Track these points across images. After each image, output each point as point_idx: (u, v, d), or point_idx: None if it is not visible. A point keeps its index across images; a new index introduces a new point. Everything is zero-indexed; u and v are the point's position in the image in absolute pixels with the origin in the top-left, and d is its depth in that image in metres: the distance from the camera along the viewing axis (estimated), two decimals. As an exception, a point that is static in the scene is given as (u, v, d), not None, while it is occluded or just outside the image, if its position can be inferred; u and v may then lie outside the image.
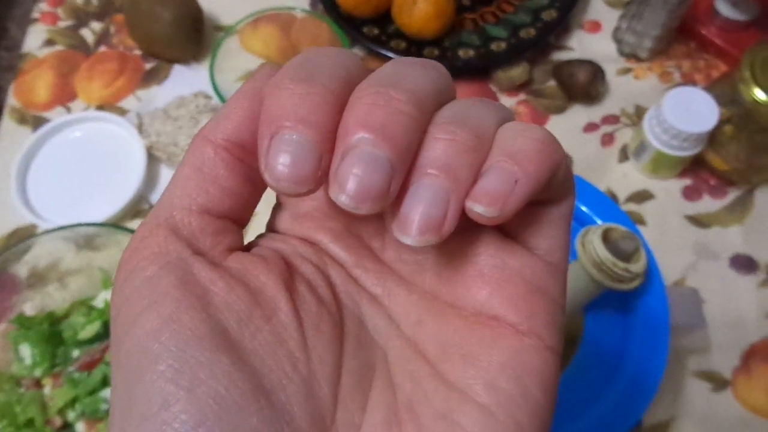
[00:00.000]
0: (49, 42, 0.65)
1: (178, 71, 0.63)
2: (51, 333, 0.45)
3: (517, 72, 0.60)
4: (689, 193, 0.56)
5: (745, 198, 0.55)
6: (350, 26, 0.61)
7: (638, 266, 0.32)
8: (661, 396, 0.48)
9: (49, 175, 0.57)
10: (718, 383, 0.48)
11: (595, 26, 0.64)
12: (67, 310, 0.47)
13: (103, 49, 0.64)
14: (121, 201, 0.54)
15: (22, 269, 0.49)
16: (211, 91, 0.57)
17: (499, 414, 0.16)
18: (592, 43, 0.63)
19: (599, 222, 0.40)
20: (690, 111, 0.51)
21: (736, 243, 0.54)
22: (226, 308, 0.16)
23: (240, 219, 0.18)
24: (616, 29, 0.62)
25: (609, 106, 0.60)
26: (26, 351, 0.44)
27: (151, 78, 0.63)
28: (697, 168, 0.56)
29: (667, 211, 0.55)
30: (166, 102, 0.59)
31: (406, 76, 0.16)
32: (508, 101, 0.60)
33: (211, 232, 0.17)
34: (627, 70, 0.61)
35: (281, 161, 0.15)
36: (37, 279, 0.49)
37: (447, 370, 0.17)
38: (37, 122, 0.60)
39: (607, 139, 0.58)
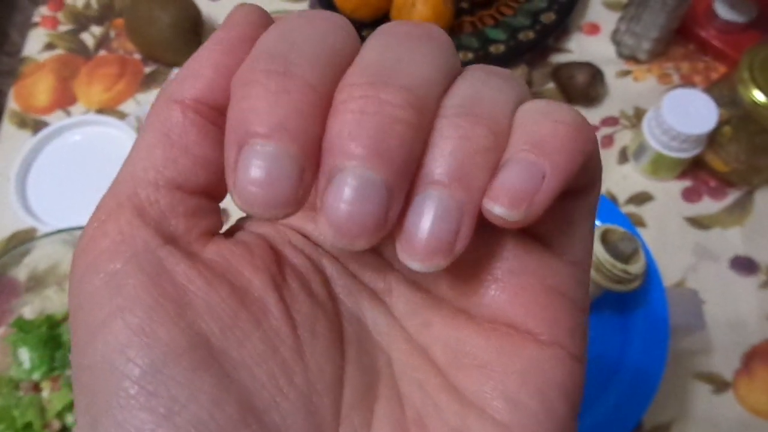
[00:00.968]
0: (50, 46, 0.65)
1: (178, 75, 0.63)
2: (49, 336, 0.45)
3: (516, 74, 0.59)
4: (689, 195, 0.56)
5: (745, 199, 0.55)
6: (349, 29, 0.61)
7: (637, 267, 0.32)
8: (662, 398, 0.47)
9: (48, 178, 0.57)
10: (719, 385, 0.48)
11: (594, 29, 0.64)
12: (66, 313, 0.47)
13: (102, 53, 0.64)
14: (121, 204, 0.54)
15: (21, 272, 0.49)
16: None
17: None
18: (591, 45, 0.63)
19: (598, 223, 0.39)
20: (689, 112, 0.51)
21: (737, 244, 0.53)
22: (208, 313, 0.13)
23: (217, 194, 0.15)
24: (615, 31, 0.62)
25: (608, 108, 0.60)
26: (25, 355, 0.44)
27: (150, 81, 0.63)
28: (696, 169, 0.56)
29: (667, 213, 0.55)
30: (165, 105, 0.59)
31: (400, 63, 0.13)
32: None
33: (184, 213, 0.14)
34: (626, 72, 0.62)
35: (252, 178, 0.12)
36: (37, 282, 0.49)
37: (460, 382, 0.15)
38: (37, 126, 0.60)
39: (607, 141, 0.58)
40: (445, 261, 0.13)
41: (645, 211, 0.55)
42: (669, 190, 0.56)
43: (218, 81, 0.14)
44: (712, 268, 0.52)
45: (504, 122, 0.14)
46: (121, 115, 0.61)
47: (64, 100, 0.62)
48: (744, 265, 0.53)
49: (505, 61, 0.60)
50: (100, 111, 0.61)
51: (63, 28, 0.66)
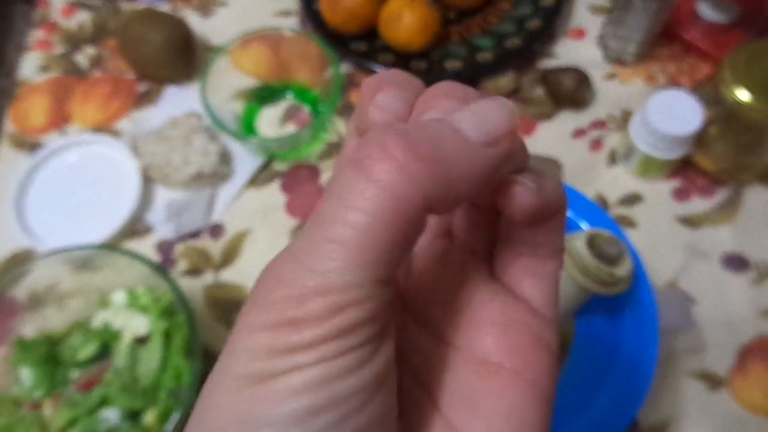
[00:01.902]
0: (44, 68, 0.66)
1: (171, 92, 0.64)
2: (50, 355, 0.46)
3: (504, 81, 0.60)
4: (679, 195, 0.56)
5: (734, 197, 0.56)
6: (338, 43, 0.62)
7: (623, 270, 0.33)
8: (657, 397, 0.48)
9: (46, 198, 0.58)
10: (714, 382, 0.49)
11: (579, 33, 0.65)
12: (66, 331, 0.48)
13: (97, 73, 0.65)
14: (118, 222, 0.54)
15: (21, 292, 0.50)
16: (202, 111, 0.58)
17: None
18: (577, 49, 0.64)
19: (584, 228, 0.40)
20: (675, 113, 0.51)
21: (727, 242, 0.54)
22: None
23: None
24: (601, 35, 0.63)
25: (596, 111, 0.61)
26: (26, 373, 0.45)
27: (144, 100, 0.64)
28: (685, 169, 0.57)
29: (658, 213, 0.56)
30: (159, 123, 0.60)
31: None
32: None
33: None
34: (612, 75, 0.62)
35: None
36: (36, 302, 0.50)
37: (455, 418, 0.17)
38: (34, 147, 0.61)
39: (596, 144, 0.59)
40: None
41: (635, 211, 0.56)
42: (659, 191, 0.57)
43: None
44: (703, 267, 0.53)
45: None
46: (117, 134, 0.62)
47: (60, 120, 0.63)
48: (735, 262, 0.53)
49: (492, 68, 0.61)
50: (96, 130, 0.62)
51: (57, 50, 0.67)
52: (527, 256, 0.19)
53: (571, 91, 0.59)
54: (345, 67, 0.63)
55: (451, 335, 0.19)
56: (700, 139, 0.53)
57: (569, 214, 0.41)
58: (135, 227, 0.57)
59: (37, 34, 0.68)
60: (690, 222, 0.55)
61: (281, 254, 0.16)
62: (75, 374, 0.45)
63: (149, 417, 0.42)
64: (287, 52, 0.61)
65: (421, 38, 0.60)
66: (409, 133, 0.15)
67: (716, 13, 0.60)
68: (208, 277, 0.54)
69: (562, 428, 0.35)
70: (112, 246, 0.53)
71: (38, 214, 0.57)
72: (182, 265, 0.55)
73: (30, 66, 0.66)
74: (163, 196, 0.58)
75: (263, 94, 0.62)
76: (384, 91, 0.18)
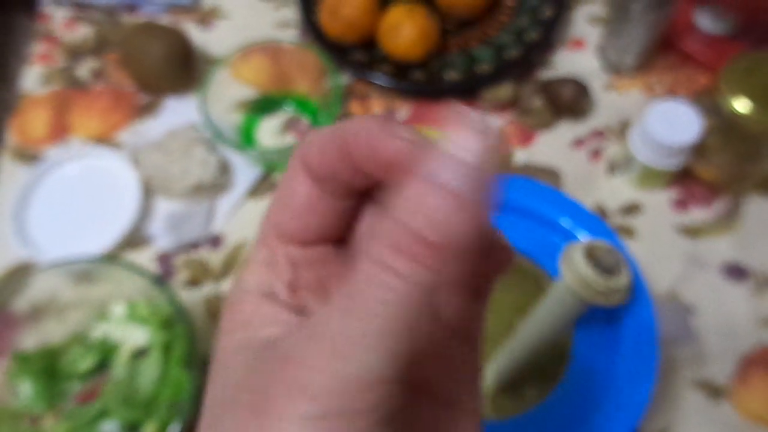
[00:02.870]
0: (46, 81, 0.66)
1: (171, 104, 0.64)
2: (49, 368, 0.46)
3: (503, 92, 0.61)
4: (678, 205, 0.56)
5: (733, 207, 0.56)
6: (337, 54, 0.62)
7: (622, 281, 0.33)
8: (658, 407, 0.48)
9: (47, 210, 0.58)
10: (715, 392, 0.48)
11: (578, 44, 0.65)
12: (65, 343, 0.48)
13: (98, 86, 0.66)
14: (117, 233, 0.55)
15: (21, 305, 0.50)
16: (202, 122, 0.58)
17: None
18: (575, 60, 0.64)
19: (583, 238, 0.40)
20: (673, 123, 0.51)
21: (726, 252, 0.54)
22: None
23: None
24: (599, 46, 0.63)
25: (595, 121, 0.61)
26: (25, 386, 0.45)
27: (145, 112, 0.64)
28: (684, 179, 0.57)
29: (657, 223, 0.56)
30: (159, 134, 0.60)
31: None
32: (495, 120, 0.61)
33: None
34: (611, 86, 0.63)
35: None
36: (36, 314, 0.50)
37: None
38: (35, 159, 0.61)
39: (595, 154, 0.59)
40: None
41: (635, 222, 0.56)
42: (658, 201, 0.57)
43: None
44: (703, 276, 0.53)
45: None
46: (117, 145, 0.62)
47: (61, 132, 0.63)
48: (734, 272, 0.53)
49: (491, 79, 0.61)
50: (97, 142, 0.62)
51: (58, 63, 0.67)
52: None
53: (570, 102, 0.59)
54: (344, 78, 0.64)
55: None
56: (698, 150, 0.54)
57: (568, 223, 0.41)
58: (135, 239, 0.57)
59: (38, 48, 0.68)
60: (689, 232, 0.55)
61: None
62: (74, 387, 0.45)
63: (148, 429, 0.42)
64: (287, 63, 0.61)
65: (420, 49, 0.60)
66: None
67: (714, 24, 0.61)
68: (208, 288, 0.54)
69: (563, 440, 0.35)
70: (111, 258, 0.53)
71: (39, 226, 0.57)
72: (182, 276, 0.55)
73: (32, 79, 0.66)
74: (163, 207, 0.58)
75: (263, 105, 0.62)
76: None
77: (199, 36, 0.67)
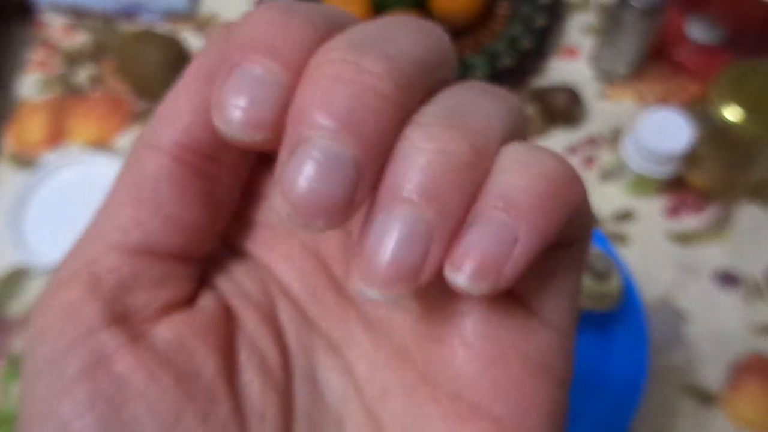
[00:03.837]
0: (43, 88, 0.67)
1: (168, 111, 0.64)
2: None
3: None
4: (670, 212, 0.57)
5: (725, 214, 0.56)
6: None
7: (612, 286, 0.33)
8: (648, 413, 0.48)
9: (43, 217, 0.58)
10: (706, 399, 0.49)
11: (571, 52, 0.66)
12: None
13: (95, 93, 0.66)
14: (113, 239, 0.55)
15: (16, 310, 0.50)
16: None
17: None
18: (568, 68, 0.65)
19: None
20: (665, 132, 0.52)
21: (718, 259, 0.54)
22: (147, 413, 0.12)
23: (194, 255, 0.14)
24: (592, 55, 0.64)
25: (588, 129, 0.61)
26: (18, 390, 0.45)
27: (142, 119, 0.64)
28: (677, 187, 0.57)
29: (649, 230, 0.56)
30: (156, 141, 0.60)
31: (388, 37, 0.12)
32: (489, 128, 0.62)
33: (148, 282, 0.13)
34: (604, 94, 0.63)
35: (236, 101, 0.11)
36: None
37: None
38: (32, 165, 0.62)
39: (588, 162, 0.60)
40: (407, 289, 0.11)
41: (627, 229, 0.56)
42: (650, 208, 0.57)
43: (201, 119, 0.13)
44: (695, 284, 0.53)
45: (491, 145, 0.12)
46: (114, 151, 0.62)
47: (58, 138, 0.64)
48: (726, 279, 0.54)
49: (485, 87, 0.61)
50: (94, 149, 0.63)
51: (56, 70, 0.68)
52: None
53: (563, 110, 0.60)
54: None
55: (412, 351, 0.14)
56: (690, 158, 0.54)
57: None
58: (131, 244, 0.57)
59: (36, 55, 0.69)
60: (681, 239, 0.56)
61: None
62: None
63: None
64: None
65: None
66: None
67: (705, 34, 0.61)
68: (202, 294, 0.54)
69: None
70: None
71: (35, 232, 0.57)
72: (177, 282, 0.55)
73: (29, 86, 0.67)
74: (158, 213, 0.58)
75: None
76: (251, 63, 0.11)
77: (196, 44, 0.68)
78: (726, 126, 0.50)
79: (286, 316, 0.15)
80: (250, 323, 0.14)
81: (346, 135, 0.10)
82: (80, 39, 0.70)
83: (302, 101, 0.11)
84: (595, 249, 0.34)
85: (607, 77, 0.63)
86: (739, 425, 0.48)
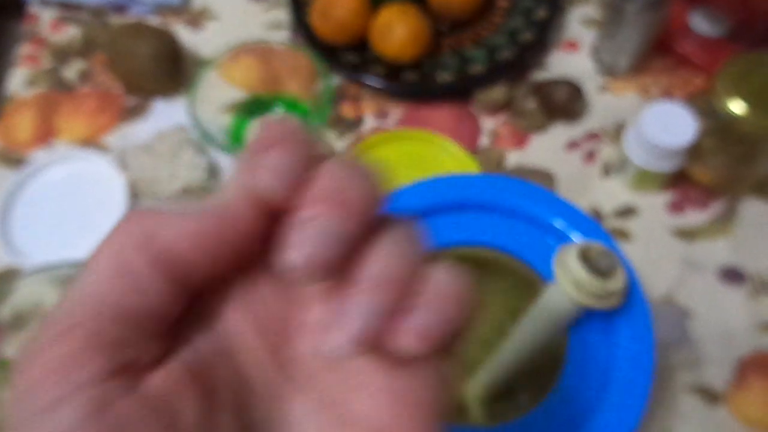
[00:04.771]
0: (32, 83, 0.65)
1: (160, 106, 0.63)
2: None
3: (497, 93, 0.60)
4: (674, 207, 0.56)
5: (729, 210, 0.55)
6: (329, 55, 0.61)
7: (617, 283, 0.32)
8: (655, 413, 0.47)
9: (32, 215, 0.57)
10: (712, 397, 0.48)
11: (572, 45, 0.65)
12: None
13: (85, 88, 0.65)
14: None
15: (4, 312, 0.49)
16: (191, 125, 0.57)
17: None
18: (569, 62, 0.64)
19: (577, 240, 0.39)
20: (668, 125, 0.51)
21: (723, 255, 0.53)
22: None
23: (169, 322, 0.16)
24: (593, 48, 0.63)
25: (589, 123, 0.60)
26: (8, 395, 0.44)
27: (132, 114, 0.63)
28: (681, 182, 0.56)
29: (653, 226, 0.55)
30: (147, 137, 0.59)
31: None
32: (488, 122, 0.60)
33: (137, 341, 0.15)
34: (605, 88, 0.62)
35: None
36: (20, 321, 0.49)
37: None
38: (20, 162, 0.60)
39: (589, 157, 0.58)
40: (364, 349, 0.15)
41: (630, 224, 0.55)
42: (654, 203, 0.56)
43: (197, 238, 0.15)
44: (699, 280, 0.52)
45: (413, 288, 0.16)
46: (104, 148, 0.61)
47: (47, 135, 0.62)
48: (731, 275, 0.53)
49: (484, 80, 0.60)
50: (83, 145, 0.61)
51: (45, 65, 0.66)
52: None
53: (564, 104, 0.59)
54: (336, 79, 0.63)
55: (340, 397, 0.17)
56: (694, 152, 0.53)
57: (562, 224, 0.40)
58: (122, 243, 0.56)
59: (25, 49, 0.67)
60: (685, 235, 0.54)
61: None
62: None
63: None
64: (277, 65, 0.60)
65: (413, 50, 0.59)
66: None
67: (709, 26, 0.60)
68: (196, 294, 0.53)
69: (558, 448, 0.34)
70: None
71: (23, 231, 0.56)
72: (170, 281, 0.54)
73: (17, 81, 0.65)
74: (151, 211, 0.57)
75: (252, 107, 0.61)
76: (274, 151, 0.16)
77: (188, 37, 0.66)
78: (731, 119, 0.49)
79: (249, 369, 0.17)
80: (222, 379, 0.16)
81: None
82: (69, 33, 0.68)
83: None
84: (599, 246, 0.33)
85: (609, 70, 0.62)
86: (746, 423, 0.47)
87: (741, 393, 0.48)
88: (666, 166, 0.52)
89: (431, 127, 0.60)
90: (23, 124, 0.63)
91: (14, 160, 0.61)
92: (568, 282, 0.32)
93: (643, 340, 0.36)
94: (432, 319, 0.15)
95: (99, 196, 0.57)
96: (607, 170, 0.58)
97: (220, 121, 0.59)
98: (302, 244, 0.14)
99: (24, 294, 0.48)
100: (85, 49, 0.67)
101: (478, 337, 0.44)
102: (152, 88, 0.62)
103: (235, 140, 0.60)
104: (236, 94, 0.61)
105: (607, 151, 0.59)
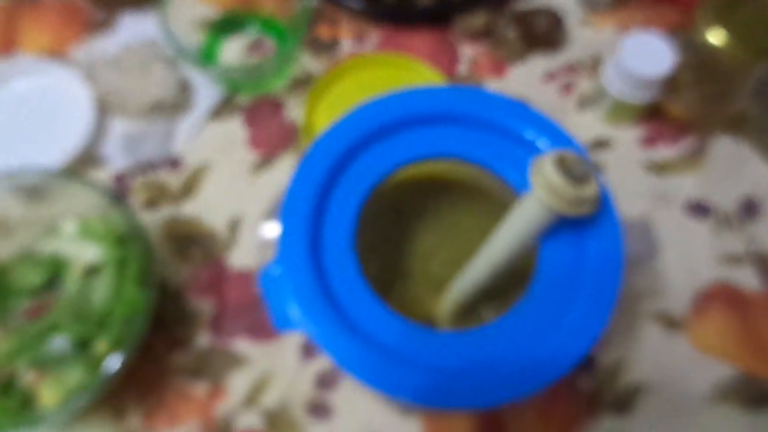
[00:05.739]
0: (-8, -9, 0.62)
1: (128, 20, 0.61)
2: (-5, 283, 0.44)
3: (477, 20, 0.59)
4: (647, 141, 0.56)
5: (701, 146, 0.56)
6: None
7: (591, 190, 0.32)
8: (614, 338, 0.48)
9: (-6, 127, 0.55)
10: (672, 324, 0.49)
11: (555, -24, 0.63)
12: (12, 261, 0.46)
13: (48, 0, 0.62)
14: (69, 151, 0.52)
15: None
16: (161, 40, 0.55)
17: None
18: (551, -7, 0.63)
19: (552, 149, 0.39)
20: (646, 56, 0.51)
21: (691, 189, 0.54)
22: None
23: None
24: (576, -21, 0.62)
25: (568, 55, 0.60)
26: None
27: (100, 28, 0.60)
28: (655, 116, 0.57)
29: (625, 159, 0.55)
30: (116, 51, 0.57)
31: None
32: (467, 50, 0.60)
33: None
34: (586, 21, 0.61)
35: None
36: (-18, 231, 0.47)
37: None
38: (-20, 73, 0.58)
39: (566, 89, 0.58)
40: None
41: (604, 157, 0.55)
42: (627, 137, 0.56)
43: None
44: (667, 213, 0.53)
45: None
46: (70, 61, 0.58)
47: (9, 47, 0.59)
48: (698, 209, 0.54)
49: (464, 7, 0.59)
50: (48, 57, 0.59)
51: (6, -29, 0.63)
52: None
53: (544, 33, 0.58)
54: (314, 0, 0.61)
55: None
56: (670, 85, 0.53)
57: (534, 135, 0.40)
58: (89, 158, 0.54)
59: (-16, -46, 0.64)
60: (656, 168, 0.55)
61: None
62: (23, 303, 0.44)
63: (100, 346, 0.41)
64: (253, -18, 0.58)
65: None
66: None
67: (692, -40, 0.60)
68: (166, 211, 0.52)
69: (520, 356, 0.35)
70: (64, 172, 0.51)
71: (-16, 142, 0.54)
72: (140, 198, 0.53)
73: (-24, -12, 0.62)
74: (119, 126, 0.55)
75: (226, 25, 0.59)
76: None
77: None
78: (710, 51, 0.49)
79: None
80: None
81: None
82: (33, -60, 0.64)
83: None
84: (573, 153, 0.33)
85: (591, 3, 0.61)
86: (703, 350, 0.49)
87: (700, 321, 0.49)
88: (642, 96, 0.52)
89: (409, 52, 0.59)
90: (-17, 33, 0.60)
91: (-26, 70, 0.58)
92: (544, 189, 0.32)
93: (613, 249, 0.37)
94: None
95: (65, 109, 0.55)
96: (583, 103, 0.58)
97: (192, 39, 0.57)
98: None
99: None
100: (50, -42, 0.64)
101: (450, 257, 0.44)
102: (121, 3, 0.60)
103: (207, 59, 0.58)
104: (209, 10, 0.59)
105: (583, 84, 0.59)
